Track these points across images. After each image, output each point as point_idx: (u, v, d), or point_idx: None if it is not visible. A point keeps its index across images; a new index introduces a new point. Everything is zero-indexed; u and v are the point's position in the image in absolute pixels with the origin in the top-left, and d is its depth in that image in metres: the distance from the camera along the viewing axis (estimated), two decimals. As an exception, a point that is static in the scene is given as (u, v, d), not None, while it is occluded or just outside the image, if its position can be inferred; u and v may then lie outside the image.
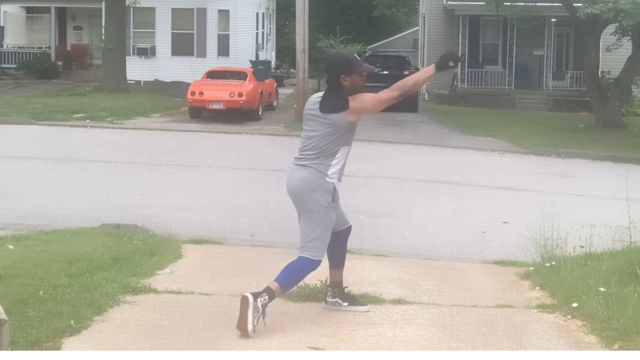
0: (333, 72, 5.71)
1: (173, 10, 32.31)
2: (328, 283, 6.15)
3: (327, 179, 5.61)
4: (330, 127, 5.59)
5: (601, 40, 26.01)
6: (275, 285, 5.55)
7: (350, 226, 6.06)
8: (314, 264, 5.66)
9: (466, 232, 10.40)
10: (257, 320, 5.38)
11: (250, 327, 5.34)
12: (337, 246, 6.01)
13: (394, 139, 20.24)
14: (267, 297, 5.46)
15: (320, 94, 5.80)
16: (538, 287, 6.91)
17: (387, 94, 5.65)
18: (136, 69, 31.08)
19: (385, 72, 28.09)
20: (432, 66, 5.72)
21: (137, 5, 29.73)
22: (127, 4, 29.14)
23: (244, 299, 5.38)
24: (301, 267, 5.65)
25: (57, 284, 6.21)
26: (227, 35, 32.83)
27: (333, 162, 5.64)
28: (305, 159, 5.66)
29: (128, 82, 28.99)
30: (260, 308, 5.40)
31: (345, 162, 5.74)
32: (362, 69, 5.74)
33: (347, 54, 5.93)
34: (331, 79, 5.73)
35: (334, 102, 5.63)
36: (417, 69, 30.77)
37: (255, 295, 5.42)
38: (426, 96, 32.42)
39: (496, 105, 30.33)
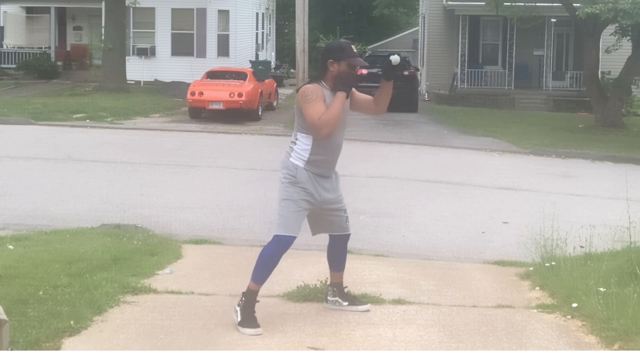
0: (324, 55, 5.72)
1: (173, 10, 32.31)
2: (328, 283, 6.16)
3: (290, 159, 5.64)
4: (296, 107, 5.66)
5: (601, 40, 26.01)
6: (249, 283, 5.67)
7: (349, 235, 6.01)
8: (278, 240, 5.56)
9: (466, 232, 10.40)
10: (241, 314, 5.56)
11: (235, 319, 5.58)
12: (337, 250, 6.00)
13: (394, 139, 20.24)
14: (243, 298, 5.62)
15: None
16: (538, 287, 6.91)
17: (315, 123, 5.42)
18: (136, 69, 31.08)
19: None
20: (341, 94, 5.53)
21: (137, 5, 29.73)
22: (127, 4, 29.14)
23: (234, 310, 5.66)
24: (268, 245, 5.64)
25: (57, 284, 6.21)
26: (227, 36, 32.83)
27: (296, 146, 5.66)
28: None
29: (128, 82, 28.99)
30: (237, 308, 5.61)
31: (315, 153, 5.57)
32: (353, 60, 5.63)
33: (344, 41, 5.86)
34: (321, 61, 5.74)
35: (303, 85, 5.67)
36: (417, 69, 30.82)
37: (238, 303, 5.68)
38: (426, 96, 32.44)
39: (496, 105, 30.33)
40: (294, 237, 5.60)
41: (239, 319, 5.55)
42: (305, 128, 5.60)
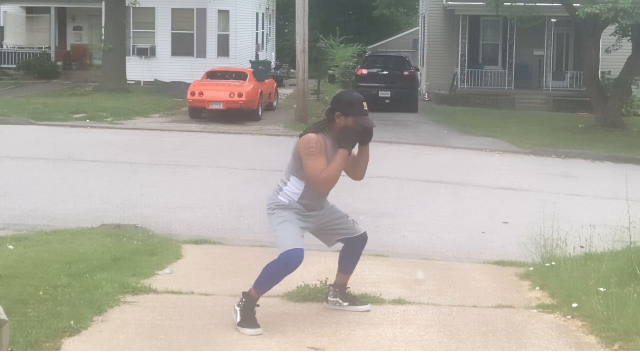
0: (333, 105, 5.61)
1: (173, 10, 32.30)
2: (330, 283, 6.16)
3: (278, 197, 5.58)
4: (294, 149, 5.59)
5: (601, 40, 26.01)
6: (250, 289, 5.65)
7: (365, 234, 5.93)
8: (281, 257, 5.46)
9: (466, 232, 10.40)
10: (240, 314, 5.55)
11: (236, 319, 5.57)
12: (350, 254, 5.96)
13: (394, 139, 20.24)
14: (243, 299, 5.61)
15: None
16: (538, 287, 6.91)
17: (315, 178, 5.40)
18: (136, 69, 31.07)
19: (385, 72, 28.14)
20: (343, 152, 5.48)
21: (137, 5, 29.72)
22: (127, 4, 29.13)
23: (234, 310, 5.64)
24: (274, 262, 5.55)
25: (57, 284, 6.21)
26: (227, 36, 32.82)
27: (285, 187, 5.60)
28: None
29: (128, 82, 28.99)
30: (236, 307, 5.60)
31: (302, 197, 5.53)
32: (362, 119, 5.49)
33: (356, 97, 5.65)
34: (329, 110, 5.65)
35: (307, 129, 5.61)
36: (417, 69, 30.81)
37: (238, 302, 5.67)
38: (426, 96, 32.44)
39: (496, 105, 30.33)
40: (301, 250, 5.47)
41: (238, 319, 5.54)
42: (300, 174, 5.53)
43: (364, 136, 5.58)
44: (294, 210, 5.55)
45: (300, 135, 5.57)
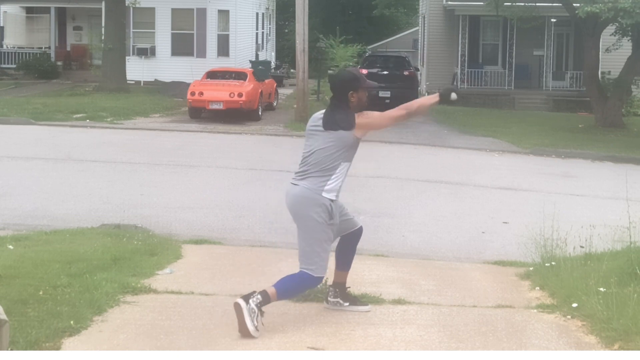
0: (341, 88, 5.72)
1: (173, 10, 32.30)
2: (330, 283, 6.16)
3: (323, 194, 5.59)
4: (334, 142, 5.60)
5: (601, 40, 26.00)
6: (272, 291, 5.56)
7: (361, 228, 6.05)
8: (315, 281, 5.66)
9: (466, 232, 10.40)
10: (256, 319, 5.39)
11: (251, 327, 5.36)
12: (346, 248, 6.01)
13: (394, 139, 20.22)
14: (259, 297, 5.47)
15: (323, 111, 5.82)
16: (538, 287, 6.91)
17: (395, 112, 5.74)
18: (136, 69, 31.07)
19: (385, 72, 28.14)
20: (437, 95, 5.87)
21: (137, 5, 29.73)
22: (127, 4, 29.13)
23: (237, 305, 5.43)
24: (301, 281, 5.64)
25: (57, 284, 6.21)
26: (227, 36, 32.82)
27: (332, 177, 5.62)
28: (304, 174, 5.65)
29: (128, 82, 28.99)
30: (255, 308, 5.42)
31: (344, 179, 5.72)
32: (367, 84, 5.79)
33: (353, 70, 5.97)
34: (338, 95, 5.73)
35: (342, 118, 5.64)
36: (417, 69, 30.81)
37: (247, 298, 5.47)
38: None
39: (496, 105, 30.32)
40: (323, 278, 5.72)
41: (254, 323, 5.42)
42: (349, 158, 5.66)
43: (446, 98, 5.98)
44: (334, 222, 5.64)
45: (338, 127, 5.60)
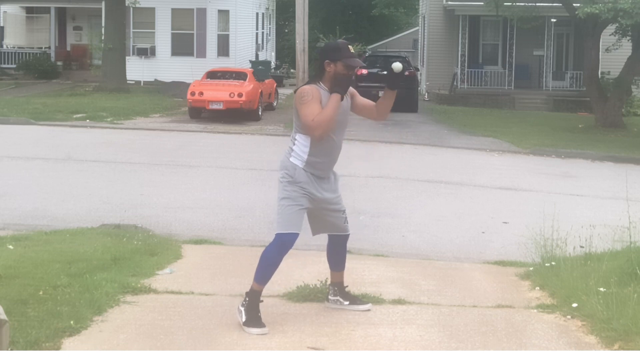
0: (320, 55, 5.75)
1: (173, 10, 32.31)
2: (329, 283, 6.16)
3: (290, 159, 5.66)
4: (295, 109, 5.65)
5: (601, 40, 26.00)
6: (253, 282, 5.67)
7: (348, 235, 6.02)
8: (279, 239, 5.59)
9: (466, 232, 10.40)
10: (245, 313, 5.56)
11: (248, 329, 5.51)
12: (336, 249, 6.02)
13: (394, 139, 20.24)
14: (246, 297, 5.63)
15: None
16: (538, 287, 6.91)
17: (309, 123, 5.47)
18: (136, 69, 31.08)
19: (385, 72, 28.13)
20: (336, 96, 5.54)
21: (137, 5, 29.74)
22: (127, 4, 29.14)
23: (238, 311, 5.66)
24: (269, 246, 5.69)
25: (57, 284, 6.21)
26: (227, 36, 32.83)
27: (295, 145, 5.68)
28: None
29: (128, 82, 29.00)
30: (241, 308, 5.61)
31: (312, 154, 5.59)
32: (350, 60, 5.62)
33: (340, 42, 5.85)
34: (318, 62, 5.75)
35: (301, 86, 5.68)
36: (417, 69, 30.80)
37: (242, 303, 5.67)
38: (426, 96, 32.43)
39: (496, 105, 30.32)
40: (296, 235, 5.60)
41: (243, 319, 5.54)
42: (303, 129, 5.61)
43: (393, 82, 5.70)
44: (300, 185, 5.59)
45: (295, 91, 5.68)
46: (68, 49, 36.37)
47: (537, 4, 25.86)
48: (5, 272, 6.42)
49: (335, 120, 5.57)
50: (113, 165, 14.45)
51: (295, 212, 5.58)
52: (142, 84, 30.95)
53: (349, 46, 5.73)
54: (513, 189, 14.01)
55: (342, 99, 5.57)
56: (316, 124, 5.46)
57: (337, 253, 6.03)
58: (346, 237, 6.00)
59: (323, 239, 6.14)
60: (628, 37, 24.58)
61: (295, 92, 5.70)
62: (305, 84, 5.71)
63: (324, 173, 5.70)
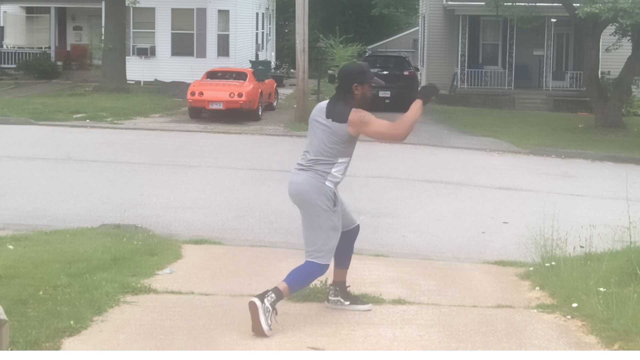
0: (347, 80, 5.77)
1: (173, 10, 32.30)
2: (330, 282, 6.17)
3: (326, 183, 5.64)
4: (332, 135, 5.63)
5: (601, 40, 26.00)
6: (283, 286, 5.58)
7: (358, 226, 6.09)
8: (322, 269, 5.69)
9: (466, 232, 10.40)
10: (270, 319, 5.42)
11: (265, 327, 5.38)
12: (344, 246, 6.01)
13: (394, 139, 20.20)
14: (274, 296, 5.49)
15: (327, 100, 5.84)
16: (538, 287, 6.91)
17: (391, 132, 5.72)
18: (136, 69, 31.07)
19: (385, 72, 28.13)
20: (419, 102, 5.75)
21: (137, 5, 29.73)
22: (127, 4, 29.13)
23: (252, 305, 5.42)
24: (310, 271, 5.68)
25: (57, 284, 6.21)
26: (227, 36, 32.82)
27: (332, 170, 5.67)
28: (306, 164, 5.69)
29: (128, 82, 28.99)
30: (270, 307, 5.44)
31: (344, 172, 5.78)
32: (373, 80, 5.83)
33: (362, 64, 6.02)
34: (343, 86, 5.76)
35: (339, 110, 5.66)
36: (417, 69, 30.79)
37: (262, 297, 5.46)
38: (426, 96, 32.38)
39: (496, 105, 30.31)
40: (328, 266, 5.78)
41: (269, 323, 5.44)
42: (347, 154, 5.69)
43: (428, 95, 5.88)
44: (338, 208, 5.69)
45: (334, 118, 5.61)
46: (68, 49, 36.36)
47: (537, 4, 25.86)
48: (5, 272, 6.42)
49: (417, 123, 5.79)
50: (113, 165, 14.45)
51: (336, 242, 5.73)
52: (142, 84, 30.94)
53: (367, 65, 6.02)
54: (513, 189, 14.01)
55: (424, 105, 5.77)
56: (402, 131, 5.69)
57: (345, 249, 6.02)
58: (356, 230, 6.06)
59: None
60: (628, 37, 24.58)
61: (342, 120, 5.59)
62: (346, 110, 5.63)
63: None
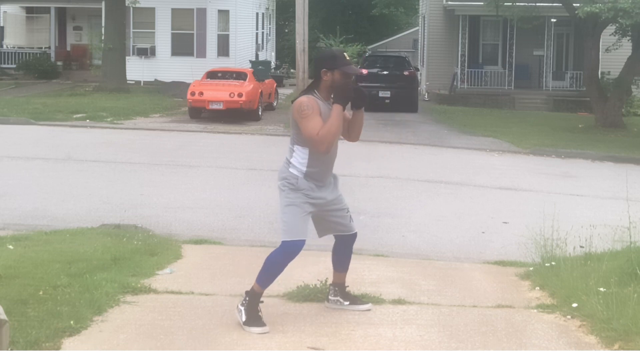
0: (316, 64, 5.70)
1: (173, 10, 32.31)
2: (330, 283, 6.16)
3: (289, 169, 5.62)
4: (291, 119, 5.64)
5: (601, 40, 26.00)
6: (254, 283, 5.67)
7: (355, 234, 6.00)
8: (285, 246, 5.57)
9: (466, 232, 10.40)
10: (245, 314, 5.55)
11: (249, 328, 5.51)
12: (342, 250, 5.99)
13: (394, 139, 20.24)
14: (246, 297, 5.63)
15: None
16: (538, 287, 6.91)
17: (315, 141, 5.44)
18: (136, 69, 31.07)
19: (385, 72, 28.14)
20: (338, 107, 5.50)
21: (137, 5, 29.73)
22: (127, 4, 29.14)
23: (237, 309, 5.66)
24: (275, 252, 5.68)
25: (57, 284, 6.21)
26: (227, 36, 32.83)
27: (291, 158, 5.64)
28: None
29: (128, 82, 28.99)
30: (240, 307, 5.61)
31: (312, 165, 5.57)
32: (347, 68, 5.57)
33: (336, 50, 5.82)
34: (314, 71, 5.71)
35: (297, 97, 5.64)
36: (417, 69, 30.80)
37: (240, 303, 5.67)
38: (426, 96, 32.43)
39: (496, 105, 30.32)
40: (303, 241, 5.59)
41: (243, 319, 5.54)
42: (301, 141, 5.59)
43: (358, 101, 5.64)
44: (303, 192, 5.57)
45: (292, 102, 5.63)
46: (68, 49, 36.37)
47: (537, 4, 25.86)
48: (5, 272, 6.43)
49: (340, 131, 5.54)
50: (113, 165, 14.45)
51: (300, 218, 5.57)
52: (142, 84, 30.95)
53: (344, 53, 5.69)
54: (513, 189, 14.01)
55: (343, 109, 5.53)
56: (321, 138, 5.42)
57: (343, 254, 6.01)
58: (353, 236, 5.97)
59: (323, 239, 6.14)
60: (628, 37, 24.58)
61: (292, 102, 5.64)
62: (301, 95, 5.65)
63: (322, 182, 5.68)
